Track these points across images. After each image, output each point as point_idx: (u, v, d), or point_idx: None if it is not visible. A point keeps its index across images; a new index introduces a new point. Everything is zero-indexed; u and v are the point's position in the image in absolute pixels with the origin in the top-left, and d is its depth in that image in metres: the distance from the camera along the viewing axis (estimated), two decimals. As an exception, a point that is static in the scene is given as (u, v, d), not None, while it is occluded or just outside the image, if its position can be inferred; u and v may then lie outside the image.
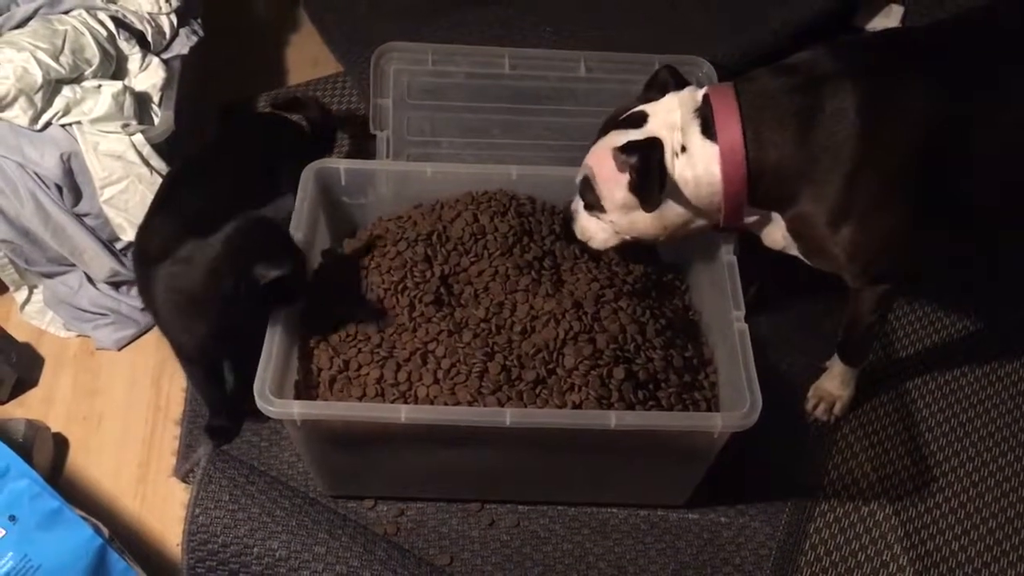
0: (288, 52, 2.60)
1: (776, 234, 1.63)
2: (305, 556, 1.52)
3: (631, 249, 1.75)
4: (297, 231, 1.71)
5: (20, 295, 2.04)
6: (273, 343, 1.57)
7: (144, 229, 1.69)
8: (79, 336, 2.01)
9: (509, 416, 1.50)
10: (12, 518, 1.34)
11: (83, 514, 1.41)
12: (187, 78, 2.06)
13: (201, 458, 1.58)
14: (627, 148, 1.56)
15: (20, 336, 2.00)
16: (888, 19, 2.57)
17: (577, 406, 1.55)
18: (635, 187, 1.55)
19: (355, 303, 1.69)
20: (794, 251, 1.64)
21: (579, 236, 1.75)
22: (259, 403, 1.50)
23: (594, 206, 1.70)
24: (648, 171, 1.53)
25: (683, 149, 1.55)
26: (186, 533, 1.55)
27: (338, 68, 2.50)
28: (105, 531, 1.42)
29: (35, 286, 2.04)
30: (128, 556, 1.43)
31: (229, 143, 1.86)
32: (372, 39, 2.28)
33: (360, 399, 1.60)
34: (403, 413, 1.50)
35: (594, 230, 1.73)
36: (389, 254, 1.74)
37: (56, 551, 1.35)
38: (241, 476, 1.58)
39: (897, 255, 1.59)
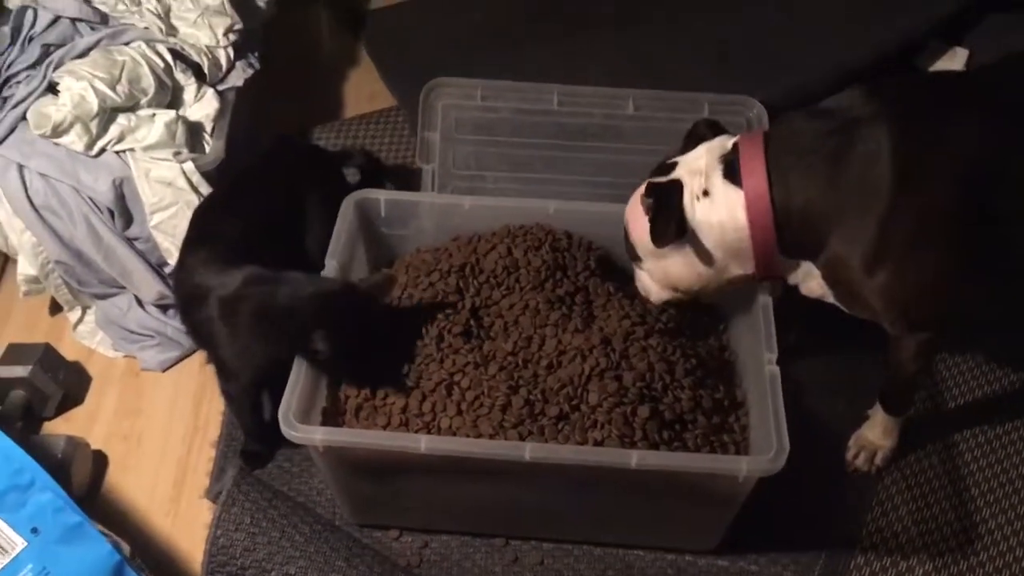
0: (346, 86, 2.65)
1: (812, 283, 1.60)
2: (321, 582, 1.53)
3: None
4: (332, 259, 1.74)
5: (73, 315, 2.10)
6: (301, 369, 1.59)
7: (189, 257, 1.72)
8: (126, 356, 2.07)
9: (528, 451, 1.49)
10: (35, 530, 1.37)
11: (104, 530, 1.44)
12: (241, 109, 2.12)
13: (227, 480, 1.60)
14: (648, 190, 1.56)
15: (71, 355, 2.06)
16: (952, 62, 2.51)
17: (599, 443, 1.54)
18: (651, 224, 1.54)
19: (389, 330, 1.70)
20: (832, 299, 1.61)
21: (640, 292, 1.76)
22: (283, 427, 1.52)
23: (633, 257, 1.70)
24: (661, 208, 1.53)
25: (705, 193, 1.53)
26: (206, 554, 1.57)
27: (393, 103, 2.55)
28: (126, 548, 1.45)
29: (88, 307, 2.10)
30: (148, 575, 1.45)
31: (260, 173, 1.90)
32: (427, 75, 2.31)
33: (384, 428, 1.61)
34: (423, 443, 1.50)
35: (646, 284, 1.74)
36: (421, 284, 1.75)
37: (75, 566, 1.37)
38: (264, 500, 1.59)
39: (935, 303, 1.54)
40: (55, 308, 2.14)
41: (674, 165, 1.62)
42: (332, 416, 1.68)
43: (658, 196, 1.56)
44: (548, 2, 2.78)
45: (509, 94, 2.25)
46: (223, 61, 2.10)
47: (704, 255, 1.60)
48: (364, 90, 2.63)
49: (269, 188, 1.83)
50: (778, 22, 2.52)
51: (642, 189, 1.63)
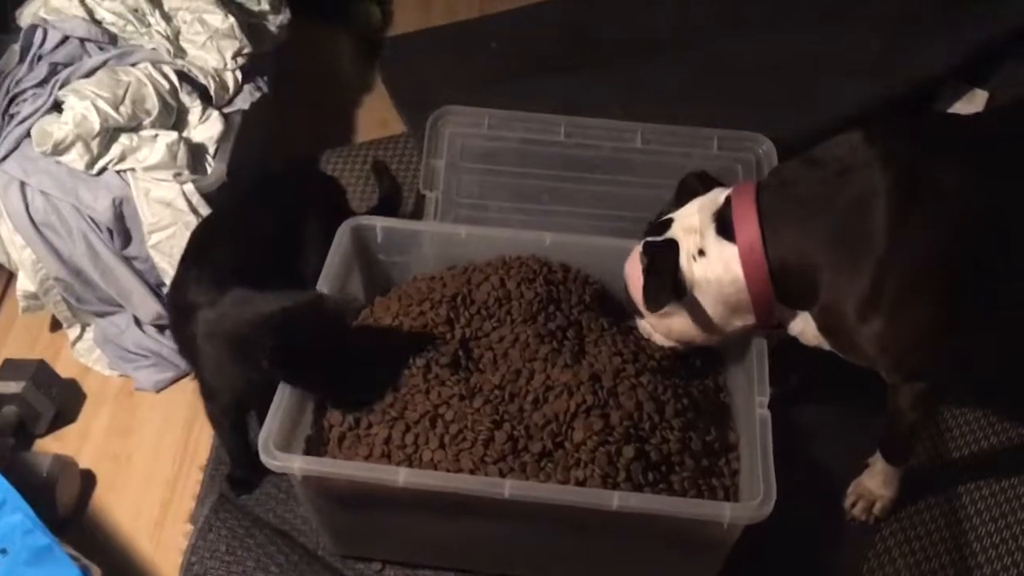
0: (360, 111, 2.65)
1: (809, 333, 1.57)
2: (294, 615, 1.50)
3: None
4: (324, 285, 1.73)
5: (72, 332, 2.11)
6: (284, 395, 1.57)
7: (183, 275, 1.72)
8: (121, 376, 2.06)
9: (508, 488, 1.46)
10: (3, 551, 1.36)
11: (75, 554, 1.42)
12: (248, 132, 2.12)
13: (206, 506, 1.58)
14: (644, 249, 1.54)
15: (67, 372, 2.06)
16: (971, 104, 2.46)
17: (581, 483, 1.50)
18: (644, 288, 1.52)
19: (375, 359, 1.68)
20: (827, 347, 1.57)
21: (643, 335, 1.74)
22: (261, 454, 1.50)
23: (634, 311, 1.69)
24: (656, 272, 1.53)
25: (701, 252, 1.52)
26: (181, 581, 1.55)
27: (404, 129, 2.54)
28: (97, 573, 1.43)
29: (87, 324, 2.10)
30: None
31: (259, 195, 1.89)
32: (438, 103, 2.30)
33: (366, 458, 1.59)
34: (402, 476, 1.48)
35: (650, 332, 1.71)
36: (412, 314, 1.73)
37: (42, 589, 1.36)
38: (241, 528, 1.57)
39: (930, 352, 1.49)
40: (55, 325, 2.14)
41: (669, 222, 1.60)
42: (316, 445, 1.66)
43: (652, 257, 1.55)
44: (562, 34, 2.78)
45: (516, 124, 2.24)
46: (230, 84, 2.10)
47: (705, 311, 1.59)
48: (376, 116, 2.63)
49: (267, 211, 1.82)
50: (795, 60, 2.50)
51: (641, 246, 1.61)
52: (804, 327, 1.57)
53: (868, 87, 2.39)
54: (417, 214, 2.16)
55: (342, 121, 2.60)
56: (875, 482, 1.78)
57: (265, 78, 2.22)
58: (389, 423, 1.60)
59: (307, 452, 1.66)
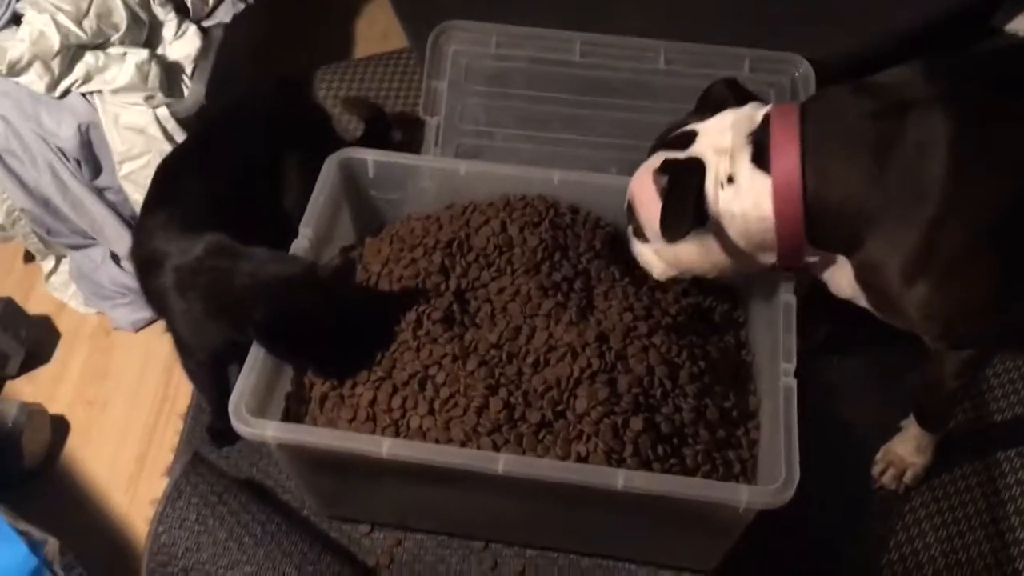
0: (359, 23, 2.45)
1: (842, 281, 1.39)
2: (267, 592, 1.39)
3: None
4: (307, 227, 1.57)
5: (47, 265, 1.97)
6: (259, 353, 1.42)
7: (147, 219, 1.56)
8: (98, 313, 1.93)
9: (502, 463, 1.32)
10: (-62, 528, 1.24)
11: (27, 528, 1.30)
12: (229, 48, 1.93)
13: (176, 469, 1.46)
14: (664, 168, 1.35)
15: (41, 308, 1.93)
16: (1026, 23, 2.24)
17: (583, 458, 1.36)
18: (661, 214, 1.34)
19: (362, 312, 1.53)
20: (863, 302, 1.40)
21: (640, 264, 1.55)
22: (233, 420, 1.37)
23: (638, 234, 1.50)
24: (677, 197, 1.32)
25: (730, 179, 1.32)
26: (147, 551, 1.43)
27: (407, 43, 2.34)
28: (53, 546, 1.31)
29: (63, 256, 1.96)
30: (75, 574, 1.31)
31: (230, 126, 1.71)
32: (444, 15, 2.09)
33: (350, 422, 1.45)
34: (385, 447, 1.34)
35: (649, 258, 1.53)
36: (403, 261, 1.57)
37: (-16, 569, 1.25)
38: (213, 495, 1.45)
39: (981, 322, 1.32)
40: (29, 256, 2.01)
41: (693, 135, 1.40)
42: (296, 403, 1.52)
43: (675, 179, 1.35)
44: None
45: (527, 42, 2.03)
46: (210, -7, 1.90)
47: (723, 244, 1.40)
48: (377, 28, 2.43)
49: (243, 141, 1.64)
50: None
51: (655, 161, 1.42)
52: (838, 275, 1.39)
53: (922, 3, 2.15)
54: (416, 142, 1.98)
55: (339, 34, 2.40)
56: (907, 448, 1.63)
57: (250, -13, 2.01)
58: (375, 384, 1.46)
59: (287, 411, 1.52)
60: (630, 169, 1.55)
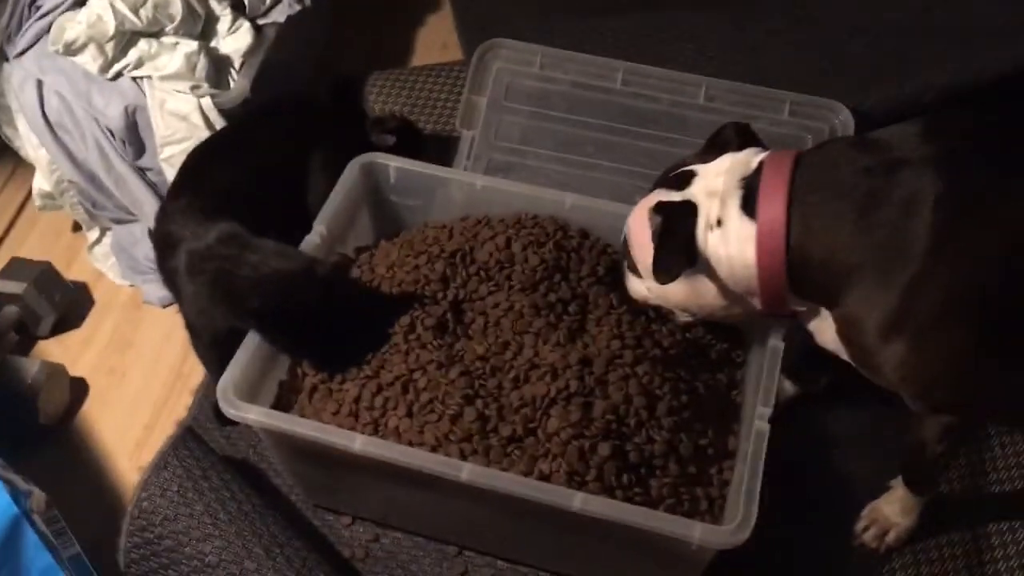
0: (420, 32, 2.52)
1: (827, 333, 1.39)
2: (234, 568, 1.44)
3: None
4: (321, 224, 1.63)
5: (92, 235, 2.07)
6: (254, 340, 1.49)
7: (170, 203, 1.63)
8: (131, 286, 2.02)
9: (466, 472, 1.35)
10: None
11: (11, 477, 1.38)
12: (282, 47, 2.01)
13: (167, 441, 1.53)
14: (658, 209, 1.37)
15: (81, 276, 2.04)
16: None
17: (545, 476, 1.39)
18: (654, 257, 1.36)
19: (359, 312, 1.58)
20: (846, 357, 1.39)
21: (633, 297, 1.57)
22: (220, 402, 1.43)
23: (631, 268, 1.53)
24: (670, 241, 1.34)
25: (719, 223, 1.34)
26: (129, 515, 1.51)
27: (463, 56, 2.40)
28: (38, 498, 1.39)
29: (107, 228, 2.06)
30: (57, 529, 1.39)
31: (262, 121, 1.78)
32: (500, 32, 2.15)
33: (335, 415, 1.50)
34: (358, 443, 1.39)
35: (640, 293, 1.55)
36: (407, 266, 1.62)
37: (-37, 514, 1.33)
38: (198, 469, 1.52)
39: (958, 387, 1.31)
40: (78, 226, 2.11)
41: (692, 176, 1.42)
42: (288, 392, 1.58)
43: (668, 222, 1.37)
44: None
45: (570, 65, 2.07)
46: (268, -7, 1.99)
47: (711, 286, 1.41)
48: (438, 39, 2.49)
49: (272, 137, 1.71)
50: (901, 21, 2.23)
51: (652, 199, 1.45)
52: (822, 326, 1.39)
53: (979, 60, 2.11)
54: (452, 153, 2.03)
55: (399, 41, 2.48)
56: (892, 508, 1.61)
57: (309, -11, 2.09)
58: (362, 382, 1.50)
59: (278, 399, 1.58)
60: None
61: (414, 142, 1.95)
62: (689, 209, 1.36)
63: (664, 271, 1.36)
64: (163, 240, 1.59)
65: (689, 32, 2.29)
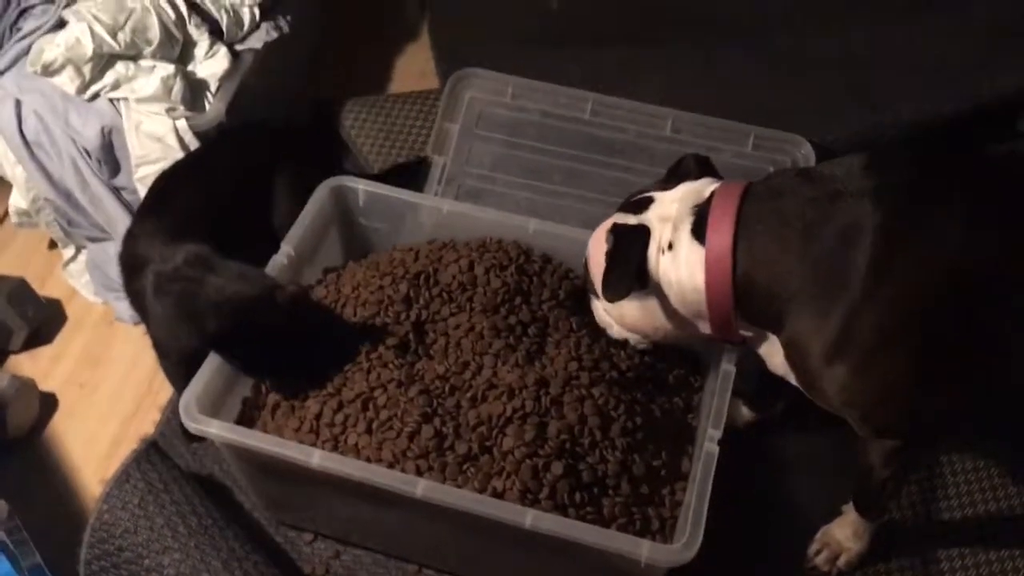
0: (399, 61, 2.57)
1: (775, 358, 1.43)
2: (191, 581, 1.47)
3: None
4: (288, 244, 1.66)
5: (67, 252, 2.10)
6: (217, 357, 1.52)
7: (137, 225, 1.67)
8: (104, 304, 2.05)
9: (420, 488, 1.38)
10: None
11: (-26, 489, 1.41)
12: (259, 73, 2.05)
13: (128, 456, 1.56)
14: (612, 229, 1.42)
15: (55, 292, 2.07)
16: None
17: (499, 494, 1.42)
18: (604, 275, 1.40)
19: (323, 331, 1.62)
20: (795, 382, 1.43)
21: (598, 322, 1.62)
22: (182, 415, 1.46)
23: (591, 290, 1.57)
24: (619, 260, 1.39)
25: (670, 247, 1.38)
26: (89, 527, 1.53)
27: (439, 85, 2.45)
28: (2, 508, 1.41)
29: (82, 246, 2.09)
30: (18, 539, 1.41)
31: (229, 145, 1.82)
32: (479, 61, 2.20)
33: (296, 431, 1.53)
34: (315, 459, 1.41)
35: (604, 319, 1.60)
36: (371, 286, 1.66)
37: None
38: (160, 482, 1.54)
39: (898, 410, 1.35)
40: (54, 243, 2.14)
41: (649, 202, 1.46)
42: (251, 408, 1.61)
43: (619, 242, 1.42)
44: (627, 4, 2.61)
45: (541, 95, 2.12)
46: (246, 20, 2.04)
47: (663, 309, 1.46)
48: (415, 67, 2.54)
49: (237, 161, 1.76)
50: (866, 57, 2.29)
51: (609, 222, 1.49)
52: (771, 351, 1.43)
53: (940, 99, 2.16)
54: (422, 178, 2.07)
55: (377, 69, 2.53)
56: (844, 533, 1.64)
57: (288, 17, 2.14)
58: (323, 399, 1.53)
59: (242, 415, 1.61)
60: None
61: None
62: (641, 232, 1.41)
63: (612, 289, 1.40)
64: (130, 261, 1.62)
65: (658, 65, 2.35)
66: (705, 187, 1.43)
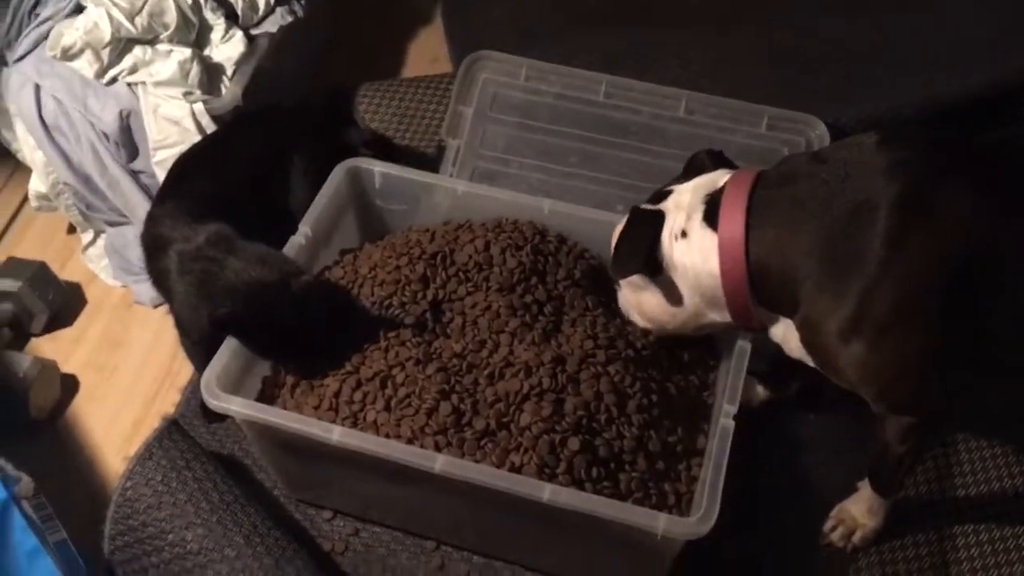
0: (412, 45, 2.58)
1: (792, 342, 1.44)
2: (214, 555, 1.48)
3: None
4: (306, 226, 1.68)
5: (86, 236, 2.12)
6: (239, 334, 1.54)
7: (159, 207, 1.69)
8: (123, 287, 2.07)
9: (439, 463, 1.40)
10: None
11: (2, 463, 1.43)
12: (274, 56, 2.06)
13: (152, 433, 1.58)
14: (630, 211, 1.44)
15: (74, 276, 2.09)
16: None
17: (516, 468, 1.43)
18: (613, 252, 1.42)
19: (341, 311, 1.63)
20: (811, 363, 1.44)
21: (623, 312, 1.65)
22: (203, 393, 1.48)
23: (614, 277, 1.58)
24: (630, 239, 1.42)
25: (683, 233, 1.40)
26: (113, 503, 1.55)
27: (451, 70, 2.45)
28: (26, 484, 1.43)
29: (101, 231, 2.11)
30: (44, 515, 1.43)
31: (248, 128, 1.84)
32: (489, 45, 2.20)
33: (316, 409, 1.55)
34: (335, 435, 1.43)
35: (628, 307, 1.62)
36: (388, 267, 1.67)
37: (-47, 499, 1.37)
38: (182, 460, 1.56)
39: (915, 385, 1.36)
40: (73, 228, 2.16)
41: (669, 193, 1.49)
42: (271, 386, 1.63)
43: (631, 222, 1.44)
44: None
45: (555, 78, 2.13)
46: (261, 4, 2.05)
47: (678, 296, 1.48)
48: (428, 52, 2.55)
49: (255, 143, 1.77)
50: (879, 40, 2.29)
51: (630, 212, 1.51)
52: (787, 335, 1.44)
53: (952, 80, 2.16)
54: (438, 161, 2.08)
55: (390, 54, 2.54)
56: (859, 509, 1.65)
57: (302, 2, 2.15)
58: (342, 377, 1.55)
59: (261, 393, 1.63)
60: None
61: (387, 155, 2.00)
62: (656, 216, 1.43)
63: (619, 266, 1.44)
64: (153, 242, 1.64)
65: (672, 48, 2.35)
66: (719, 177, 1.45)
